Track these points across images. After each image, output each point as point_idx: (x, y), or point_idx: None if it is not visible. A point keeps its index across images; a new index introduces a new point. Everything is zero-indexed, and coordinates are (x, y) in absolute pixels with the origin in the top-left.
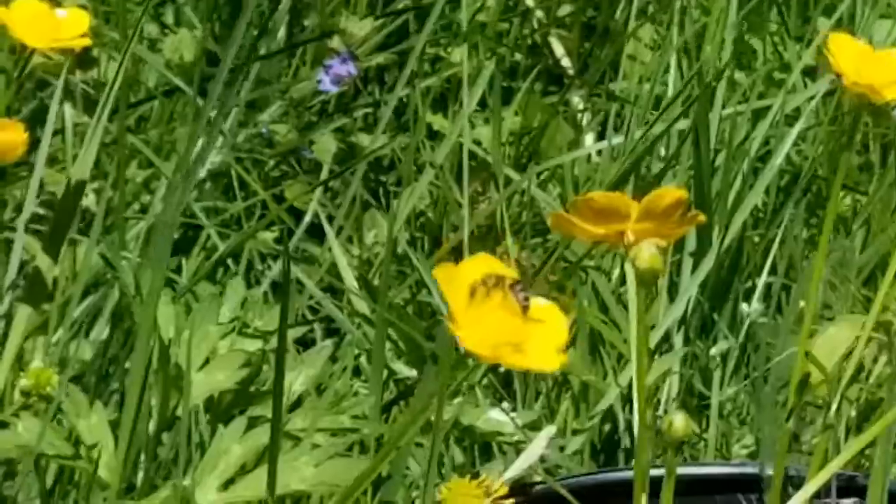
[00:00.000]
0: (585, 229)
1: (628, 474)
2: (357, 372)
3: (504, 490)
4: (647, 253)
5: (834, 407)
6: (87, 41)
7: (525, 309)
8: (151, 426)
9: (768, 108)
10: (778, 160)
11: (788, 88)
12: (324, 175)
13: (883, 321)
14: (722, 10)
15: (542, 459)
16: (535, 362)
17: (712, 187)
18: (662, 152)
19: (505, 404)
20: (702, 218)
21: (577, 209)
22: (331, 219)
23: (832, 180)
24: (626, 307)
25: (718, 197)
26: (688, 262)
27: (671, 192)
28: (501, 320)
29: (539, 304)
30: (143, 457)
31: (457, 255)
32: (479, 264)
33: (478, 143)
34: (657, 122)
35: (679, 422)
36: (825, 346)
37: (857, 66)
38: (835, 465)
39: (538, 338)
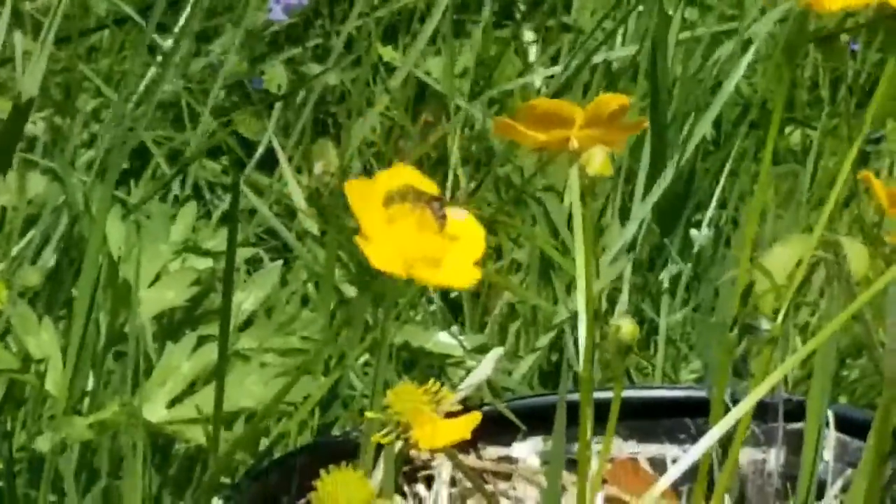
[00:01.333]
0: (529, 135)
1: (575, 397)
2: (306, 297)
3: (451, 397)
4: (598, 158)
5: (780, 317)
6: None
7: (442, 223)
8: (100, 342)
9: (722, 35)
10: (730, 86)
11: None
12: (277, 106)
13: (830, 240)
14: None
15: (489, 381)
16: (450, 278)
17: (667, 114)
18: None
19: (454, 328)
20: (644, 123)
21: (522, 115)
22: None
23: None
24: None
25: (673, 122)
26: (639, 189)
27: (615, 98)
28: (416, 235)
29: (457, 218)
30: (91, 373)
31: None
32: (396, 177)
33: (428, 74)
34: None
35: (626, 326)
36: (773, 262)
37: None
38: (776, 376)
39: (455, 253)
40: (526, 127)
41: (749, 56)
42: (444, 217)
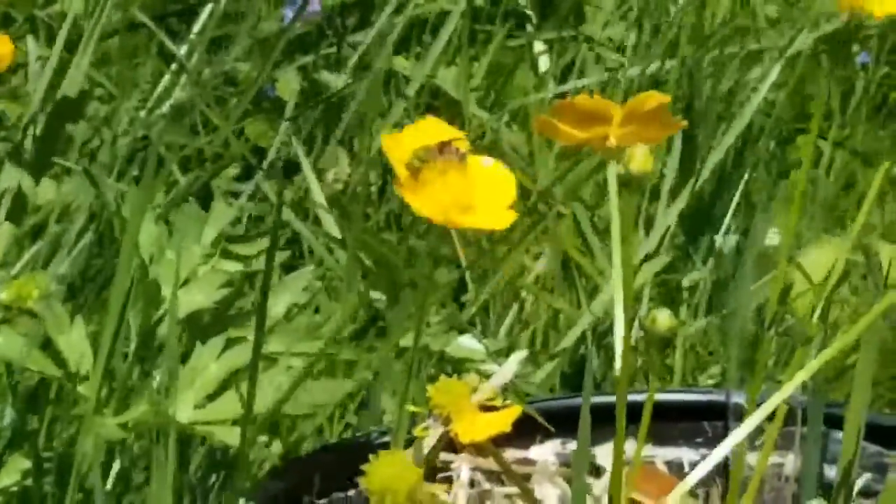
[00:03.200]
0: (569, 133)
1: (599, 399)
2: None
3: (494, 392)
4: (640, 155)
5: (816, 315)
6: None
7: (461, 165)
8: (131, 343)
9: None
10: (758, 98)
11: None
12: (288, 113)
13: (863, 244)
14: None
15: (512, 383)
16: (485, 221)
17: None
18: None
19: (475, 332)
20: (684, 123)
21: (561, 113)
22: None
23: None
24: (602, 236)
25: (703, 132)
26: (665, 196)
27: (655, 96)
28: (449, 183)
29: (486, 164)
30: (121, 373)
31: None
32: (426, 129)
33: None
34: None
35: (663, 317)
36: (809, 264)
37: None
38: (803, 374)
39: (487, 198)
40: (565, 125)
41: (776, 71)
42: (463, 159)
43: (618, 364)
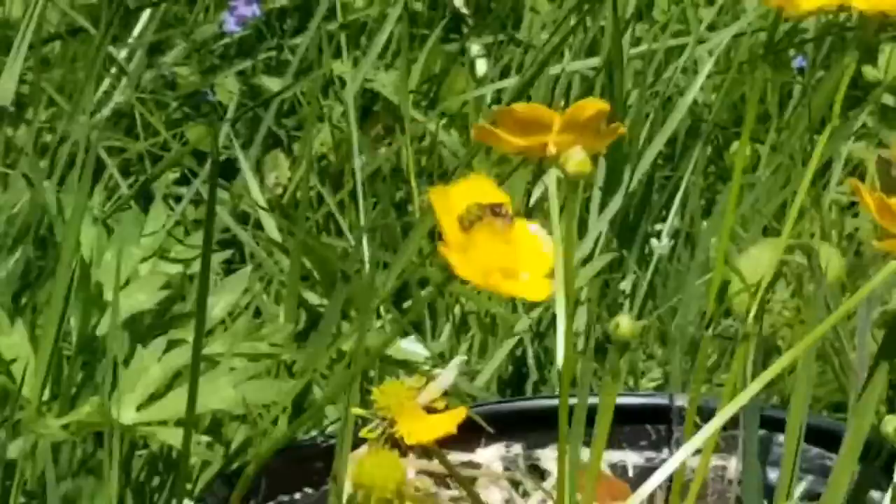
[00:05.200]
0: (508, 141)
1: (540, 403)
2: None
3: (439, 393)
4: (577, 158)
5: (752, 314)
6: None
7: (508, 230)
8: (72, 345)
9: (678, 50)
10: (688, 100)
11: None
12: (227, 116)
13: (803, 244)
14: None
15: (455, 387)
16: (527, 290)
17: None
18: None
19: (414, 336)
20: (622, 130)
21: (500, 121)
22: (229, 161)
23: (733, 128)
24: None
25: (629, 135)
26: (596, 201)
27: (593, 104)
28: (492, 246)
29: (529, 230)
30: (63, 375)
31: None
32: (473, 187)
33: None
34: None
35: (625, 322)
36: (747, 264)
37: None
38: (757, 385)
39: (527, 264)
40: (504, 132)
41: (707, 70)
42: (510, 224)
43: (559, 364)
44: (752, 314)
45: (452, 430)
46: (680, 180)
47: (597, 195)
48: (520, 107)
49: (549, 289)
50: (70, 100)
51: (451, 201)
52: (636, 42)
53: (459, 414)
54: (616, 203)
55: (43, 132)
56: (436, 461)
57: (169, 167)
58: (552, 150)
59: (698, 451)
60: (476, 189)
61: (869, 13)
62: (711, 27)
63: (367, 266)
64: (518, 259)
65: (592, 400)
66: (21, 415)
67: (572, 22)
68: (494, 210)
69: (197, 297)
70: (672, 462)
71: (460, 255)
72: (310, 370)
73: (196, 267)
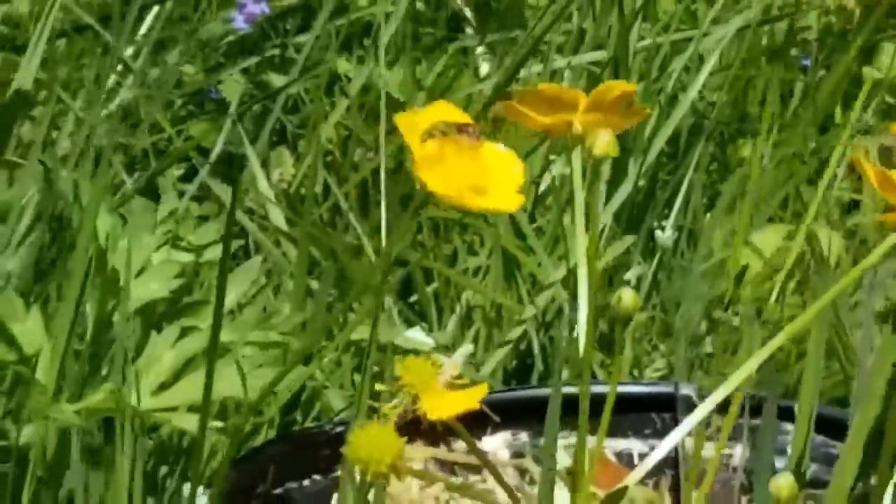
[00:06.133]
0: (534, 119)
1: (547, 391)
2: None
3: (458, 370)
4: (604, 139)
5: (773, 297)
6: None
7: (476, 149)
8: (87, 332)
9: (680, 45)
10: (691, 94)
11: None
12: (231, 112)
13: (805, 228)
14: None
15: (462, 375)
16: (496, 203)
17: None
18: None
19: (421, 326)
20: (647, 111)
21: (526, 99)
22: (233, 158)
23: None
24: (541, 234)
25: (634, 129)
26: (601, 193)
27: (620, 84)
28: (461, 165)
29: (497, 149)
30: (78, 361)
31: (364, 195)
32: (437, 111)
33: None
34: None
35: (627, 296)
36: (760, 243)
37: None
38: (754, 363)
39: (497, 181)
40: (530, 110)
41: (709, 67)
42: (478, 143)
43: (581, 350)
44: (773, 297)
45: (475, 406)
46: (683, 175)
47: (602, 185)
48: (546, 87)
49: (520, 201)
50: (76, 97)
51: (418, 125)
52: (639, 38)
53: (481, 391)
54: (621, 196)
55: (49, 129)
56: (443, 448)
57: (174, 161)
58: (578, 128)
59: (708, 439)
60: (442, 113)
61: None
62: (714, 21)
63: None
64: (487, 176)
65: (596, 389)
66: (35, 400)
67: (574, 19)
68: (461, 128)
69: (217, 284)
70: (665, 445)
71: (431, 174)
72: (316, 358)
73: (208, 255)
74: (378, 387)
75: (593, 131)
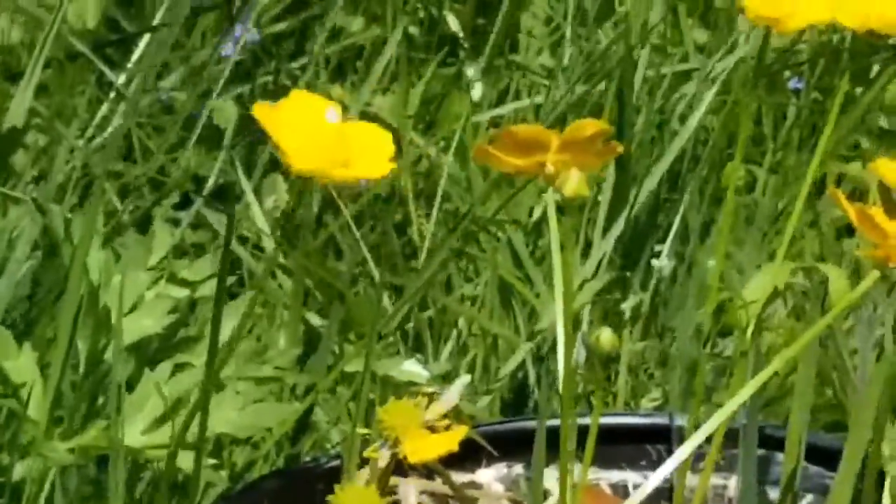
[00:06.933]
0: (507, 161)
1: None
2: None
3: (442, 411)
4: (574, 180)
5: (750, 330)
6: None
7: (337, 125)
8: (80, 368)
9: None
10: (693, 122)
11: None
12: (226, 141)
13: (806, 266)
14: None
15: (458, 408)
16: (363, 171)
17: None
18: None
19: (418, 357)
20: (620, 149)
21: (499, 142)
22: (226, 185)
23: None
24: (539, 262)
25: (635, 156)
26: (600, 223)
27: (592, 123)
28: (327, 143)
29: (364, 125)
30: (71, 398)
31: (359, 219)
32: (297, 101)
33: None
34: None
35: (606, 335)
36: (749, 286)
37: None
38: (743, 395)
39: (365, 153)
40: (504, 153)
41: (712, 94)
42: (336, 119)
43: (560, 386)
44: (749, 330)
45: (455, 448)
46: (680, 202)
47: (602, 213)
48: (518, 128)
49: (389, 167)
50: (68, 125)
51: (279, 116)
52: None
53: (461, 433)
54: (620, 225)
55: (41, 157)
56: (438, 481)
57: (171, 192)
58: (550, 169)
59: (700, 470)
60: (301, 103)
61: (859, 31)
62: (701, 48)
63: (373, 288)
64: (355, 150)
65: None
66: (28, 437)
67: (566, 44)
68: (325, 110)
69: (212, 323)
70: (656, 476)
71: (297, 155)
72: (312, 393)
73: (203, 290)
74: (359, 431)
75: (564, 172)
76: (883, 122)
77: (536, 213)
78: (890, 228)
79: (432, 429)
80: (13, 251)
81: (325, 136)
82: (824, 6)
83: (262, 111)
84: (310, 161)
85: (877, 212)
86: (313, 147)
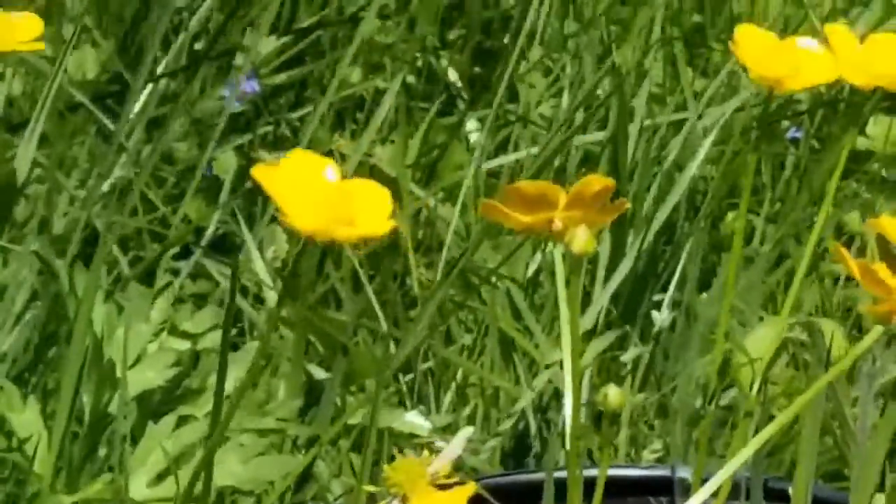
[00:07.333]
0: (515, 218)
1: (543, 475)
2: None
3: (448, 470)
4: (582, 237)
5: (755, 389)
6: (40, 45)
7: (338, 185)
8: (84, 421)
9: (680, 123)
10: (690, 172)
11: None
12: (225, 191)
13: (805, 322)
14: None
15: (461, 460)
16: (365, 231)
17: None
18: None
19: (421, 408)
20: (627, 205)
21: (507, 198)
22: (226, 235)
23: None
24: (538, 313)
25: (633, 207)
26: (599, 274)
27: (599, 180)
28: (327, 203)
29: (360, 182)
30: (76, 451)
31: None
32: (298, 160)
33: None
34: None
35: (613, 393)
36: (751, 342)
37: (762, 57)
38: (749, 450)
39: (366, 211)
40: (511, 209)
41: (709, 143)
42: (336, 178)
43: (568, 442)
44: (754, 389)
45: None
46: (679, 252)
47: (601, 264)
48: (525, 184)
49: (389, 225)
50: (69, 175)
51: (279, 175)
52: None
53: (469, 489)
54: (619, 277)
55: (42, 207)
56: None
57: (173, 245)
58: (558, 225)
59: None
60: (300, 161)
61: (865, 87)
62: (702, 95)
63: (374, 339)
64: (355, 208)
65: (592, 473)
66: (34, 491)
67: (565, 96)
68: (326, 170)
69: (217, 378)
70: None
71: (298, 218)
72: (315, 445)
73: (205, 343)
74: (366, 488)
75: (572, 229)
76: (883, 172)
77: (532, 268)
78: (893, 284)
79: (440, 485)
80: (14, 304)
81: (326, 194)
82: (827, 66)
83: (262, 172)
84: (311, 221)
85: (879, 267)
86: (314, 206)
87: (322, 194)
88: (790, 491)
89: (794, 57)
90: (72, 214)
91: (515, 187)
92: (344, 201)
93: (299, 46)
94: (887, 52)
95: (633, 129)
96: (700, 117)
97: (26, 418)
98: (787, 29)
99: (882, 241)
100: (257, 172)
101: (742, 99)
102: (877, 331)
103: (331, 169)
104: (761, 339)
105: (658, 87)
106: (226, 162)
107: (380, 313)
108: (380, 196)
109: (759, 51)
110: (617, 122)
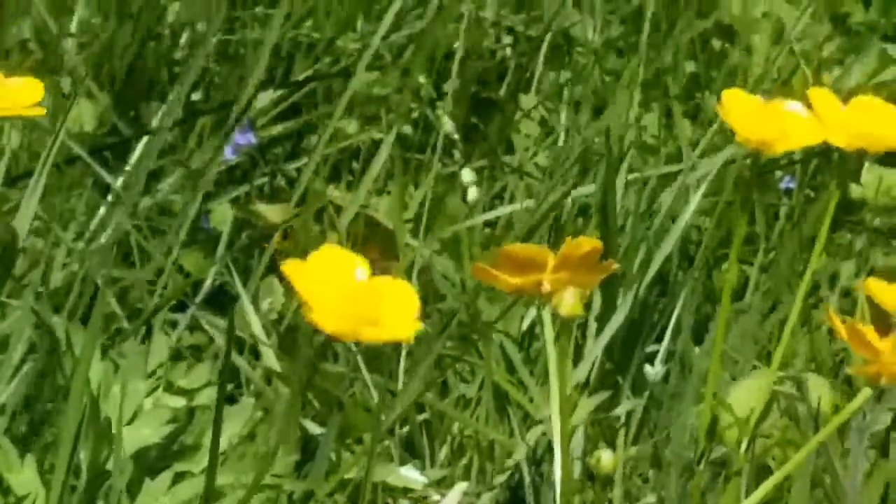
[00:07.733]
0: (504, 280)
1: None
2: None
3: None
4: (570, 299)
5: (743, 448)
6: (41, 111)
7: (368, 283)
8: (82, 478)
9: (671, 177)
10: (681, 225)
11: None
12: (222, 243)
13: (794, 376)
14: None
15: None
16: (392, 333)
17: (618, 253)
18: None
19: (415, 463)
20: (615, 266)
21: (497, 261)
22: (223, 286)
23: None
24: (532, 366)
25: (624, 261)
26: (592, 326)
27: (587, 242)
28: (354, 302)
29: (388, 281)
30: None
31: None
32: (326, 256)
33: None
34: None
35: (606, 458)
36: (741, 397)
37: (749, 120)
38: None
39: (391, 312)
40: (501, 272)
41: (699, 196)
42: (364, 277)
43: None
44: (742, 447)
45: None
46: (672, 303)
47: (593, 315)
48: (515, 248)
49: (416, 327)
50: (66, 228)
51: (306, 272)
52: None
53: None
54: (610, 330)
55: (39, 260)
56: None
57: (171, 300)
58: (547, 288)
59: None
60: (330, 258)
61: (848, 149)
62: (696, 145)
63: (373, 395)
64: (381, 307)
65: None
66: None
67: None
68: (356, 269)
69: (213, 434)
70: None
71: (324, 315)
72: (311, 501)
73: (200, 399)
74: None
75: (560, 292)
76: (876, 222)
77: (526, 321)
78: (881, 346)
79: None
80: (11, 359)
81: (353, 292)
82: (812, 128)
83: (291, 268)
84: (336, 321)
85: (868, 329)
86: (340, 304)
87: (349, 292)
88: None
89: (779, 120)
90: (69, 268)
91: (506, 251)
92: (371, 300)
93: (294, 98)
94: (869, 114)
95: (623, 180)
96: (693, 168)
97: (24, 477)
98: (779, 78)
99: (873, 301)
100: (287, 268)
101: (734, 150)
102: (865, 392)
103: (360, 267)
104: (749, 392)
105: (653, 138)
106: (222, 213)
107: (370, 367)
108: (408, 295)
109: (745, 114)
110: (605, 176)
